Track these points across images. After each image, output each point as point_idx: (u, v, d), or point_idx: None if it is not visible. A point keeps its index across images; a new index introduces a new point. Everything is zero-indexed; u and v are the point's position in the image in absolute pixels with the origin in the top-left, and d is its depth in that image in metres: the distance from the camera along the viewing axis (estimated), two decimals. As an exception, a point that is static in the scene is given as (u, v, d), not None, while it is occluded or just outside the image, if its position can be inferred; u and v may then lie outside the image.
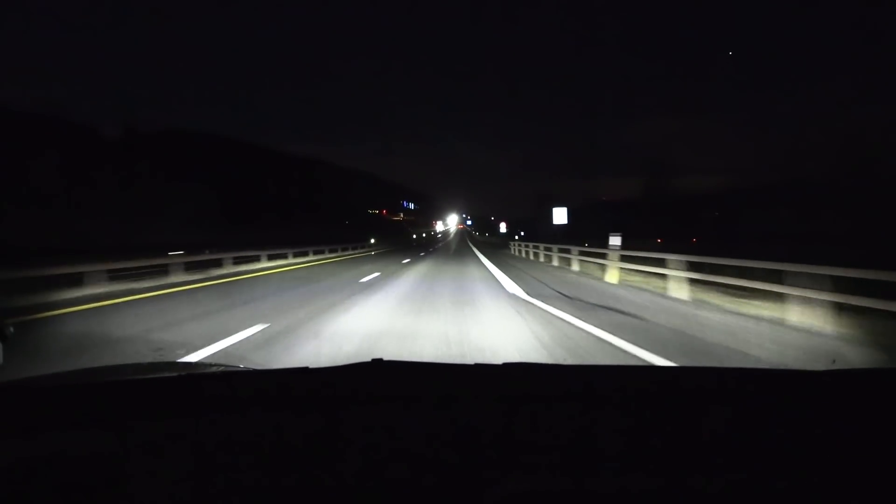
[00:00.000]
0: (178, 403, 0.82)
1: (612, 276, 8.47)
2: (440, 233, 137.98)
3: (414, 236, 63.26)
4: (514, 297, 6.14)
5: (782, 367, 1.15)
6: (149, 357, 3.18)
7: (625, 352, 3.18)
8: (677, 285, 6.21)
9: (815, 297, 4.00)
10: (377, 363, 0.97)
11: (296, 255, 16.61)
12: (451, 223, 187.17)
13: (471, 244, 38.55)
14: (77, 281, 6.68)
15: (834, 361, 3.15)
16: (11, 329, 0.87)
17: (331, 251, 20.99)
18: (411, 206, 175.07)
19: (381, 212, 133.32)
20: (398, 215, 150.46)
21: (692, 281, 6.06)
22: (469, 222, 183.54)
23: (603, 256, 9.08)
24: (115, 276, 7.29)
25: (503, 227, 45.66)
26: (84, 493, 0.58)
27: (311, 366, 1.00)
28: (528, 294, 6.33)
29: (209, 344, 3.36)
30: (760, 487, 0.58)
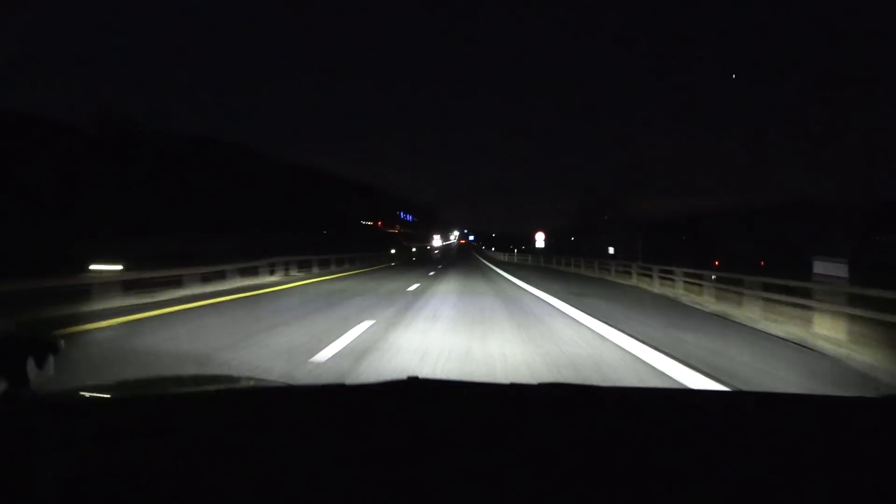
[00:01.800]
0: (217, 418, 0.84)
1: None
2: (438, 248, 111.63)
3: (393, 251, 47.11)
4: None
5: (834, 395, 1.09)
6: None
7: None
8: None
9: None
10: (413, 381, 0.97)
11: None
12: (452, 238, 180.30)
13: (509, 276, 16.67)
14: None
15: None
16: (62, 342, 0.87)
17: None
18: (409, 217, 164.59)
19: (376, 223, 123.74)
20: (394, 227, 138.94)
21: None
22: (472, 238, 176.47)
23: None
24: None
25: (540, 240, 32.12)
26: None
27: (346, 382, 1.05)
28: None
29: None
30: None
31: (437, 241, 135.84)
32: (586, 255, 25.36)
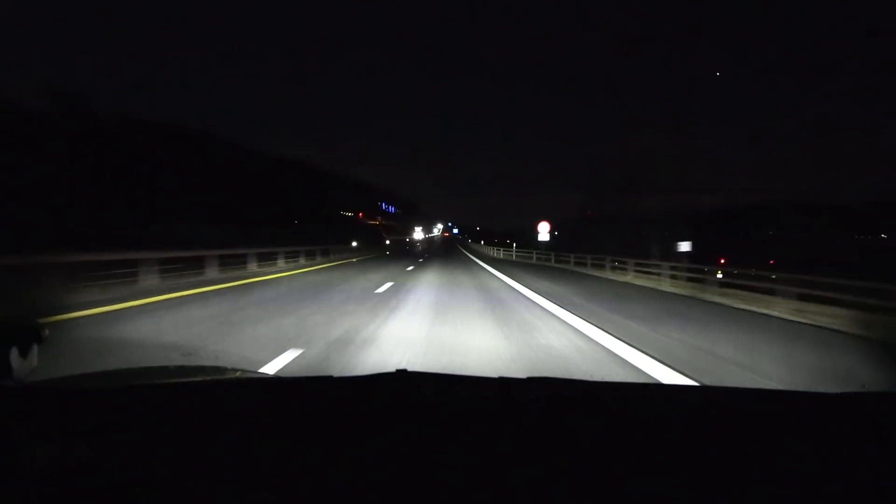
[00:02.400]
0: (202, 409, 0.82)
1: None
2: (419, 241, 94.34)
3: (354, 244, 37.09)
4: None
5: (814, 391, 1.01)
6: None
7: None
8: None
9: None
10: (402, 374, 0.96)
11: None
12: (435, 231, 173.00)
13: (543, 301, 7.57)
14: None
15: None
16: (47, 331, 0.85)
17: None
18: (392, 209, 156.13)
19: (357, 214, 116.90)
20: (376, 219, 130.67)
21: None
22: (455, 231, 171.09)
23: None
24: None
25: (544, 233, 23.44)
26: (111, 496, 0.58)
27: (335, 374, 1.00)
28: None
29: None
30: None
31: (418, 233, 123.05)
32: (591, 250, 17.61)
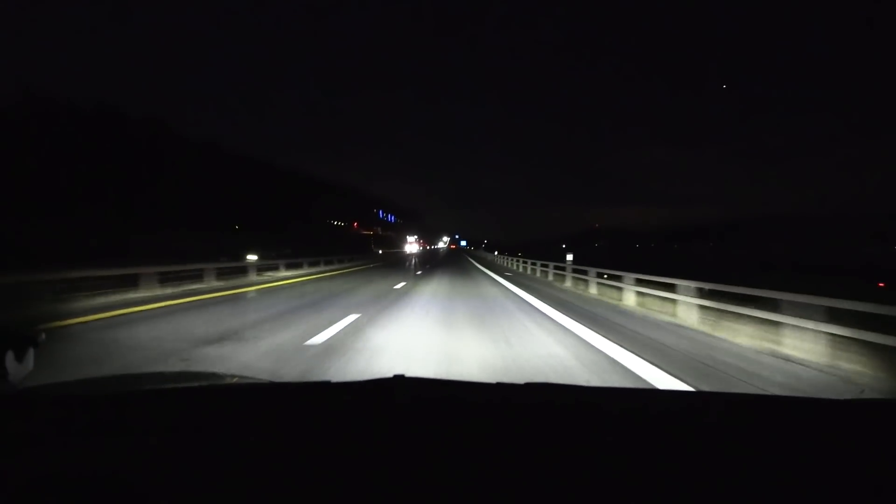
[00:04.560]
0: (200, 415, 0.82)
1: None
2: (411, 255, 54.93)
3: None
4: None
5: (811, 396, 1.10)
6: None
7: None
8: None
9: None
10: (399, 379, 0.95)
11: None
12: (441, 244, 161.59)
13: None
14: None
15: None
16: (43, 336, 0.86)
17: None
18: (391, 218, 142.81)
19: (353, 224, 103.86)
20: (371, 228, 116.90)
21: None
22: (463, 243, 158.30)
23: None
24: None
25: None
26: (105, 501, 0.57)
27: (332, 380, 1.03)
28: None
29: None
30: None
31: (412, 245, 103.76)
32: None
